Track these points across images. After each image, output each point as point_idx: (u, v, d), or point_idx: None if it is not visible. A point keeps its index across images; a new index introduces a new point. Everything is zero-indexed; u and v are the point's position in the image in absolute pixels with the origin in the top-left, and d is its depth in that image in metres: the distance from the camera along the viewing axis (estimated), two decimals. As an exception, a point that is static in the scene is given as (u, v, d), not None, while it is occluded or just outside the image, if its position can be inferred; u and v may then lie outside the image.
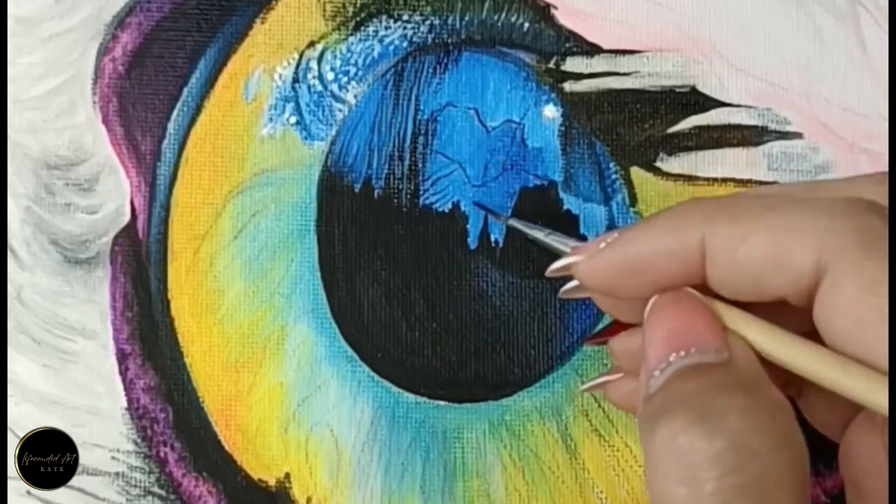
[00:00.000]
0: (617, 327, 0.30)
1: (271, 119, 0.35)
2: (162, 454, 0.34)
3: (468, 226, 0.34)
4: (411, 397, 0.34)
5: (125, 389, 0.34)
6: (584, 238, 0.34)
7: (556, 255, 0.29)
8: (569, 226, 0.34)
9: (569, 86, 0.34)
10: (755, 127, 0.34)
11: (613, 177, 0.34)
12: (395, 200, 0.34)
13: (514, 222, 0.33)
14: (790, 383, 0.27)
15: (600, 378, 0.31)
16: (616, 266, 0.26)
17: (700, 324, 0.24)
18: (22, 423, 0.34)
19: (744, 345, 0.24)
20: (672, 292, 0.25)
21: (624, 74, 0.34)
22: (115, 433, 0.34)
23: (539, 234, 0.31)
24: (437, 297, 0.34)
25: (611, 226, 0.34)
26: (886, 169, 0.33)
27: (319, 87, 0.35)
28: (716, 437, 0.22)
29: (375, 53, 0.35)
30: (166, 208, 0.35)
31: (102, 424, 0.34)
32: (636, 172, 0.34)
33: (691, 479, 0.22)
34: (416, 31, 0.34)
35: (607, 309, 0.29)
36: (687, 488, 0.22)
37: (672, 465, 0.22)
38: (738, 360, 0.24)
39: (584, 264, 0.27)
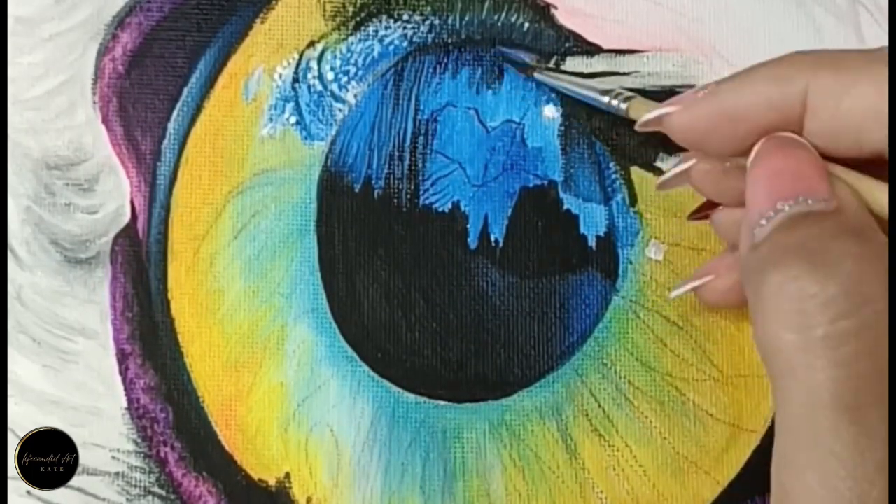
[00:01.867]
0: (711, 204, 0.30)
1: (271, 119, 0.35)
2: (162, 454, 0.34)
3: (468, 226, 0.34)
4: (411, 397, 0.34)
5: (125, 389, 0.34)
6: (584, 238, 0.34)
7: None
8: (569, 226, 0.34)
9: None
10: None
11: (613, 176, 0.34)
12: (395, 200, 0.34)
13: (538, 75, 0.33)
14: None
15: (690, 283, 0.31)
16: (714, 115, 0.26)
17: (808, 170, 0.24)
18: (22, 423, 0.34)
19: (850, 192, 0.24)
20: (777, 137, 0.25)
21: (624, 74, 0.34)
22: (115, 433, 0.34)
23: (568, 84, 0.32)
24: (437, 297, 0.34)
25: (611, 226, 0.34)
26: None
27: (319, 87, 0.35)
28: (829, 282, 0.22)
29: (375, 53, 0.35)
30: (166, 208, 0.35)
31: (102, 424, 0.34)
32: (636, 172, 0.34)
33: (802, 324, 0.22)
34: (416, 30, 0.34)
35: (709, 189, 0.29)
36: (797, 334, 0.22)
37: (782, 312, 0.22)
38: (848, 208, 0.23)
39: (679, 115, 0.27)
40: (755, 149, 0.25)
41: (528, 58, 0.34)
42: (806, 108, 0.24)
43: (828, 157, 0.25)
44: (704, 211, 0.31)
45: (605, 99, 0.32)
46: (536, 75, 0.34)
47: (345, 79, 0.35)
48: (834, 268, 0.22)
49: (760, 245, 0.24)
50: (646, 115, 0.28)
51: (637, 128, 0.29)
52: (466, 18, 0.34)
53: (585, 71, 0.34)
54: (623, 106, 0.31)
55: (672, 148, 0.34)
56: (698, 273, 0.31)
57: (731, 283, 0.30)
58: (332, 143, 0.34)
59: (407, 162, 0.34)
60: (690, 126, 0.26)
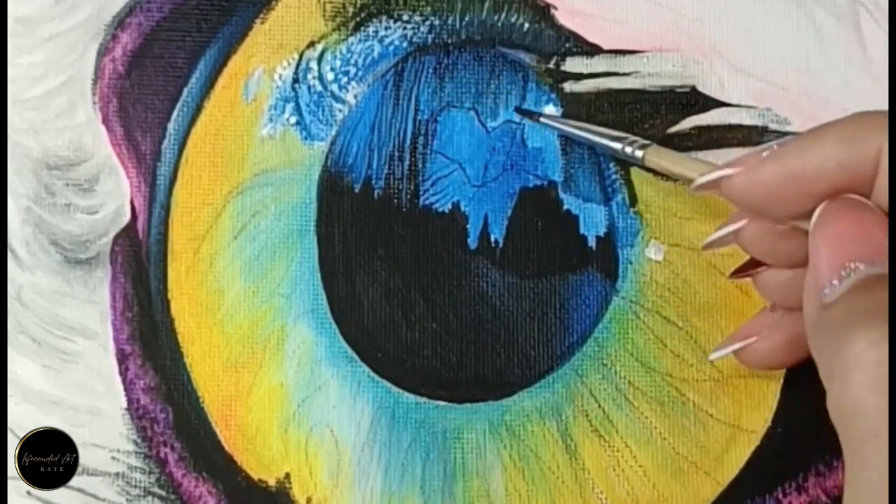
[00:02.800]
0: (756, 263, 0.29)
1: (271, 119, 0.35)
2: (162, 454, 0.34)
3: (468, 226, 0.34)
4: (411, 397, 0.34)
5: (125, 390, 0.34)
6: (583, 239, 0.34)
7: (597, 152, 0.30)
8: (569, 226, 0.34)
9: (569, 86, 0.34)
10: (755, 127, 0.34)
11: (613, 177, 0.34)
12: (395, 200, 0.34)
13: (545, 120, 0.33)
14: None
15: (732, 345, 0.30)
16: (781, 178, 0.25)
17: (877, 233, 0.24)
18: (22, 423, 0.34)
19: None
20: (842, 200, 0.25)
21: (624, 74, 0.34)
22: (115, 433, 0.34)
23: (576, 130, 0.32)
24: (437, 297, 0.34)
25: (611, 226, 0.34)
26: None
27: (319, 88, 0.35)
28: None
29: (375, 54, 0.35)
30: (166, 208, 0.35)
31: (102, 424, 0.34)
32: (636, 173, 0.34)
33: (886, 389, 0.22)
34: (416, 31, 0.34)
35: (758, 250, 0.28)
36: (882, 399, 0.22)
37: (867, 376, 0.22)
38: None
39: (741, 177, 0.26)
40: (819, 211, 0.25)
41: (528, 58, 0.34)
42: (878, 169, 0.24)
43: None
44: (748, 270, 0.30)
45: (619, 146, 0.31)
46: (543, 120, 0.34)
47: (345, 79, 0.35)
48: None
49: (834, 306, 0.23)
50: (705, 176, 0.27)
51: (692, 190, 0.28)
52: (466, 19, 0.34)
53: (585, 71, 0.34)
54: (639, 154, 0.31)
55: (672, 148, 0.34)
56: (739, 334, 0.31)
57: (774, 344, 0.30)
58: (332, 143, 0.34)
59: (407, 162, 0.34)
60: (755, 189, 0.26)
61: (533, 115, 0.34)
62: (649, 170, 0.31)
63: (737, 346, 0.31)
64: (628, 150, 0.31)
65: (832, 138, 0.25)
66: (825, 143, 0.25)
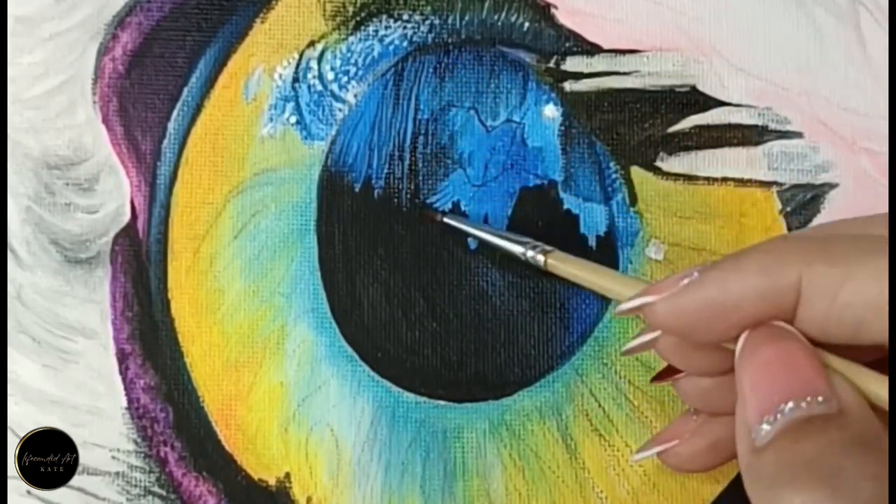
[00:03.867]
0: (675, 370, 0.29)
1: (271, 119, 0.35)
2: (162, 454, 0.34)
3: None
4: (411, 397, 0.34)
5: (125, 389, 0.34)
6: (584, 239, 0.34)
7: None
8: (569, 225, 0.34)
9: (569, 85, 0.34)
10: (755, 126, 0.34)
11: (613, 176, 0.34)
12: (395, 200, 0.34)
13: (448, 220, 0.33)
14: None
15: (653, 448, 0.30)
16: (700, 307, 0.24)
17: (803, 365, 0.23)
18: (22, 423, 0.34)
19: (853, 390, 0.23)
20: (766, 328, 0.24)
21: (624, 74, 0.34)
22: (115, 433, 0.34)
23: (480, 232, 0.32)
24: (437, 296, 0.34)
25: (611, 226, 0.34)
26: (886, 168, 0.33)
27: (319, 87, 0.35)
28: None
29: (375, 53, 0.35)
30: (166, 208, 0.35)
31: (102, 424, 0.34)
32: (636, 172, 0.34)
33: None
34: (417, 30, 0.34)
35: (676, 360, 0.28)
36: None
37: None
38: (851, 410, 0.22)
39: (662, 304, 0.25)
40: (742, 340, 0.24)
41: (528, 57, 0.34)
42: (799, 298, 0.23)
43: (821, 345, 0.24)
44: (667, 377, 0.30)
45: (521, 250, 0.31)
46: (447, 220, 0.33)
47: (345, 78, 0.35)
48: (853, 493, 0.21)
49: (764, 453, 0.23)
50: (625, 304, 0.27)
51: (616, 314, 0.28)
52: (466, 18, 0.34)
53: (585, 71, 0.34)
54: (540, 259, 0.31)
55: (672, 147, 0.34)
56: (661, 437, 0.30)
57: (696, 449, 0.30)
58: (333, 142, 0.34)
59: (407, 162, 0.34)
60: (676, 317, 0.25)
61: (435, 216, 0.34)
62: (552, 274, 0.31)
63: (657, 448, 0.30)
64: (530, 254, 0.31)
65: (752, 269, 0.24)
66: (745, 274, 0.24)
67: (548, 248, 0.31)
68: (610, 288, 0.29)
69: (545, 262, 0.31)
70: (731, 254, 0.25)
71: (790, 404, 0.23)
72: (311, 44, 0.35)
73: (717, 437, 0.29)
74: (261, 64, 0.35)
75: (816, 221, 0.33)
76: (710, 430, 0.30)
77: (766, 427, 0.23)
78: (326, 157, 0.34)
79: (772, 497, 0.22)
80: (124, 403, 0.34)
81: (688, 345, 0.27)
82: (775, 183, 0.33)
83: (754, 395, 0.23)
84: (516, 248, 0.32)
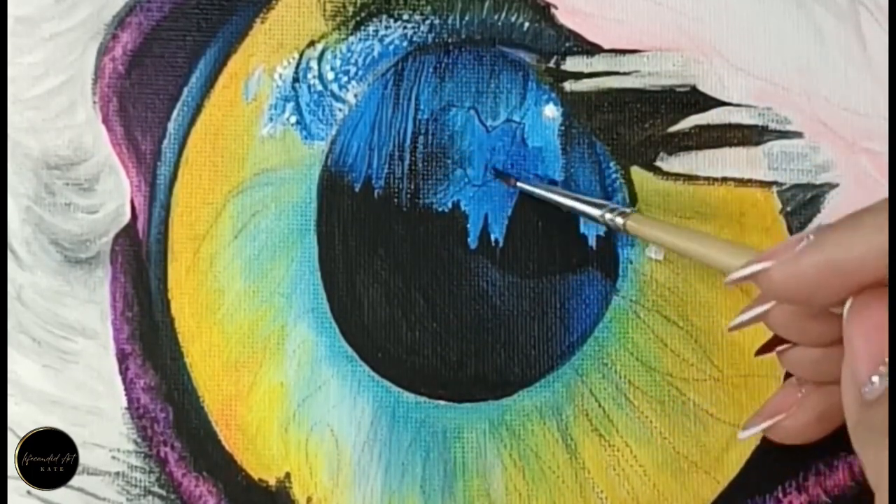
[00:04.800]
0: (782, 340, 0.29)
1: (271, 119, 0.35)
2: (162, 454, 0.34)
3: (468, 225, 0.34)
4: (411, 397, 0.34)
5: (125, 389, 0.34)
6: (584, 238, 0.34)
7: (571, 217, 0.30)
8: (569, 226, 0.34)
9: (569, 85, 0.34)
10: (755, 126, 0.33)
11: (613, 176, 0.34)
12: (395, 200, 0.34)
13: (522, 185, 0.33)
14: None
15: (760, 423, 0.30)
16: (820, 269, 0.24)
17: None
18: (22, 423, 0.34)
19: None
20: (873, 291, 0.24)
21: (624, 74, 0.34)
22: (116, 433, 0.34)
23: (553, 195, 0.32)
24: (438, 296, 0.34)
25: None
26: (886, 168, 0.33)
27: (319, 87, 0.35)
28: None
29: (375, 53, 0.35)
30: (166, 208, 0.35)
31: (102, 424, 0.34)
32: (636, 172, 0.34)
33: None
34: (417, 30, 0.34)
35: (787, 331, 0.28)
36: None
37: None
38: None
39: (779, 269, 0.25)
40: (849, 303, 0.24)
41: (528, 57, 0.34)
42: None
43: None
44: (773, 347, 0.29)
45: (599, 213, 0.31)
46: (520, 185, 0.33)
47: (345, 78, 0.35)
48: None
49: (875, 407, 0.23)
50: (738, 272, 0.26)
51: (726, 283, 0.27)
52: (466, 18, 0.34)
53: (586, 70, 0.34)
54: (620, 221, 0.31)
55: (672, 147, 0.34)
56: (766, 411, 0.30)
57: (803, 422, 0.29)
58: (333, 142, 0.34)
59: (407, 162, 0.34)
60: (795, 282, 0.25)
61: (509, 179, 0.34)
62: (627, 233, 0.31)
63: (765, 424, 0.30)
64: (608, 216, 0.31)
65: (871, 227, 0.24)
66: (864, 232, 0.24)
67: (627, 209, 0.31)
68: (696, 251, 0.28)
69: (624, 224, 0.30)
70: (844, 217, 0.25)
71: None
72: (311, 44, 0.35)
73: (823, 408, 0.29)
74: (261, 64, 0.35)
75: (816, 221, 0.33)
76: (815, 402, 0.29)
77: (876, 380, 0.23)
78: (326, 157, 0.34)
79: (878, 443, 0.22)
80: (124, 403, 0.34)
81: (800, 315, 0.27)
82: (775, 183, 0.33)
83: (864, 352, 0.23)
84: (594, 212, 0.31)
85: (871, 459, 0.23)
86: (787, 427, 0.30)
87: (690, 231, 0.29)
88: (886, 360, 0.23)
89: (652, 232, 0.30)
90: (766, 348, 0.30)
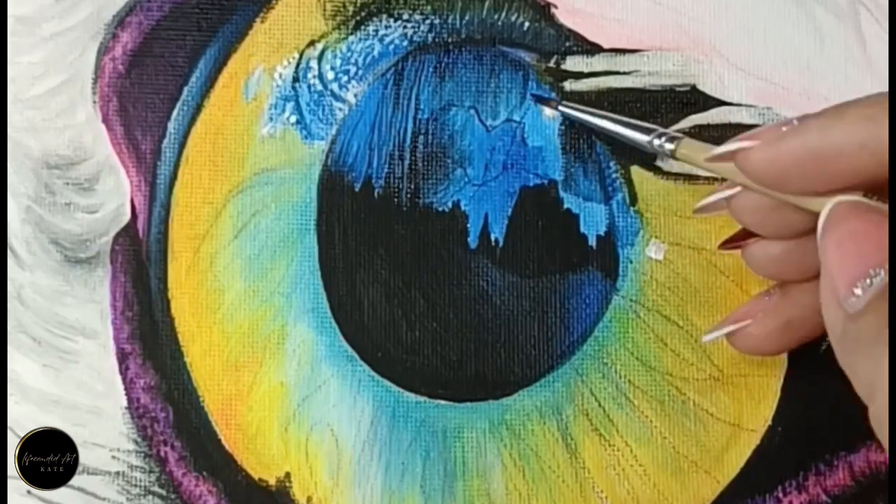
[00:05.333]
0: (747, 234, 0.28)
1: (271, 118, 0.35)
2: (162, 453, 0.34)
3: (468, 225, 0.34)
4: (411, 397, 0.34)
5: (125, 389, 0.34)
6: (584, 238, 0.34)
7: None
8: (569, 225, 0.34)
9: (569, 85, 0.34)
10: (755, 126, 0.33)
11: (613, 176, 0.34)
12: (396, 200, 0.34)
13: (564, 108, 0.33)
14: None
15: (724, 327, 0.30)
16: (800, 154, 0.24)
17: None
18: (22, 422, 0.34)
19: None
20: (850, 202, 0.24)
21: (624, 73, 0.34)
22: (116, 433, 0.34)
23: (596, 118, 0.31)
24: (438, 296, 0.34)
25: (611, 225, 0.34)
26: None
27: (319, 87, 0.35)
28: None
29: (376, 53, 0.35)
30: (166, 208, 0.35)
31: (102, 424, 0.34)
32: (636, 171, 0.34)
33: None
34: (417, 30, 0.34)
35: (751, 220, 0.27)
36: None
37: None
38: None
39: (759, 150, 0.25)
40: (826, 212, 0.24)
41: (528, 57, 0.34)
42: None
43: None
44: (738, 241, 0.29)
45: (647, 138, 0.30)
46: (562, 109, 0.33)
47: (345, 78, 0.35)
48: None
49: (861, 317, 0.23)
50: (719, 148, 0.26)
51: (706, 160, 0.27)
52: (467, 18, 0.34)
53: (586, 70, 0.34)
54: (669, 146, 0.30)
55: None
56: (732, 317, 0.30)
57: (769, 329, 0.29)
58: (333, 142, 0.34)
59: (407, 161, 0.34)
60: (772, 164, 0.25)
61: (550, 102, 0.33)
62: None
63: (729, 328, 0.30)
64: (657, 142, 0.30)
65: (854, 116, 0.24)
66: (847, 122, 0.24)
67: (677, 134, 0.30)
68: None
69: (675, 150, 0.29)
70: (832, 105, 0.25)
71: (882, 271, 0.23)
72: (311, 43, 0.35)
73: (791, 317, 0.29)
74: (261, 63, 0.35)
75: (816, 221, 0.33)
76: (783, 310, 0.29)
77: (858, 292, 0.23)
78: (326, 157, 0.34)
79: (878, 353, 0.22)
80: (124, 403, 0.34)
81: (764, 203, 0.27)
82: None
83: (843, 265, 0.23)
84: (641, 138, 0.30)
85: (861, 369, 0.23)
86: (752, 334, 0.29)
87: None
88: (872, 271, 0.23)
89: (700, 157, 0.29)
90: (731, 241, 0.30)
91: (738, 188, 0.27)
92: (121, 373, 0.34)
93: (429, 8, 0.35)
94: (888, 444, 0.22)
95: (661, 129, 0.30)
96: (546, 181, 0.34)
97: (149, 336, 0.34)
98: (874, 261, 0.23)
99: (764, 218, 0.27)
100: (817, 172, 0.24)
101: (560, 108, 0.33)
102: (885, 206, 0.24)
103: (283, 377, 0.34)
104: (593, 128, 0.32)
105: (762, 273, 0.30)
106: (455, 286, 0.34)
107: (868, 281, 0.23)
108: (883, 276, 0.23)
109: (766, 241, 0.29)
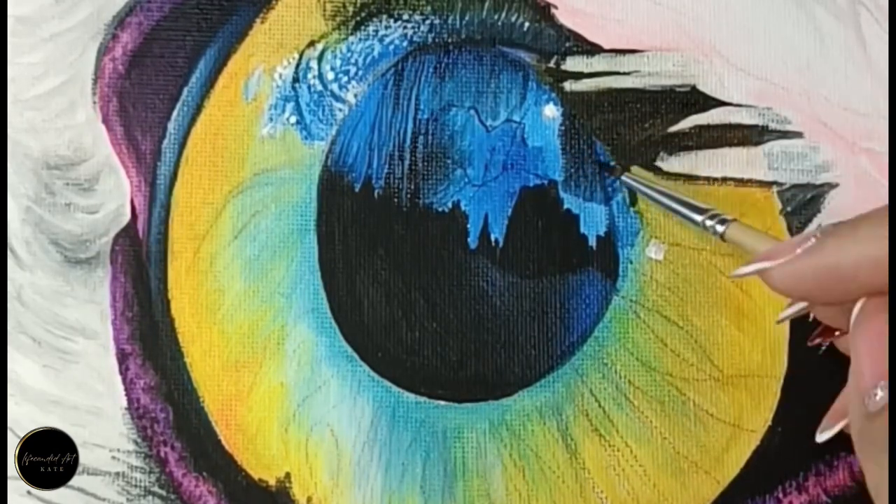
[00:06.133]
0: (829, 330, 0.30)
1: (271, 119, 0.35)
2: (162, 454, 0.34)
3: (468, 225, 0.34)
4: (411, 397, 0.34)
5: (125, 389, 0.34)
6: (584, 238, 0.34)
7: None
8: (569, 225, 0.34)
9: (569, 85, 0.34)
10: (755, 126, 0.33)
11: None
12: (395, 200, 0.34)
13: (627, 179, 0.33)
14: None
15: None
16: (818, 273, 0.25)
17: None
18: (22, 423, 0.34)
19: None
20: (878, 299, 0.25)
21: (624, 74, 0.34)
22: (116, 433, 0.34)
23: (656, 194, 0.32)
24: (438, 296, 0.34)
25: (611, 226, 0.34)
26: (886, 168, 0.33)
27: (319, 87, 0.35)
28: None
29: (375, 53, 0.35)
30: (166, 208, 0.35)
31: (103, 424, 0.34)
32: (637, 172, 0.34)
33: None
34: (417, 30, 0.34)
35: (830, 321, 0.29)
36: None
37: None
38: None
39: (779, 270, 0.26)
40: (857, 309, 0.25)
41: (528, 57, 0.34)
42: None
43: None
44: (827, 336, 0.30)
45: (700, 218, 0.31)
46: (625, 179, 0.33)
47: (345, 78, 0.35)
48: None
49: (877, 417, 0.23)
50: (741, 269, 0.28)
51: (730, 276, 0.30)
52: (467, 18, 0.34)
53: (586, 70, 0.34)
54: (720, 229, 0.31)
55: (673, 147, 0.34)
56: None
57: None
58: (333, 142, 0.34)
59: (407, 162, 0.34)
60: (793, 282, 0.26)
61: (615, 171, 0.34)
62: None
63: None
64: (709, 223, 0.31)
65: (867, 236, 0.24)
66: (861, 240, 0.25)
67: (728, 217, 0.31)
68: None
69: (724, 233, 0.31)
70: (846, 221, 0.25)
71: None
72: (311, 44, 0.35)
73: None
74: (261, 64, 0.35)
75: (816, 222, 0.33)
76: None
77: (880, 393, 0.23)
78: (326, 157, 0.34)
79: (879, 452, 0.23)
80: (124, 403, 0.34)
81: (841, 309, 0.27)
82: (775, 183, 0.33)
83: (868, 363, 0.24)
84: (696, 217, 0.32)
85: (871, 471, 0.23)
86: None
87: (778, 241, 0.30)
88: (886, 375, 0.23)
89: (748, 241, 0.30)
90: (820, 335, 0.31)
91: (806, 304, 0.29)
92: (121, 373, 0.34)
93: (429, 8, 0.35)
94: (888, 444, 0.22)
95: (714, 210, 0.31)
96: (546, 181, 0.34)
97: (149, 336, 0.34)
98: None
99: (845, 321, 0.28)
100: (836, 288, 0.25)
101: (624, 178, 0.33)
102: None
103: (283, 377, 0.34)
104: (654, 200, 0.33)
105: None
106: (455, 286, 0.34)
107: (885, 383, 0.23)
108: None
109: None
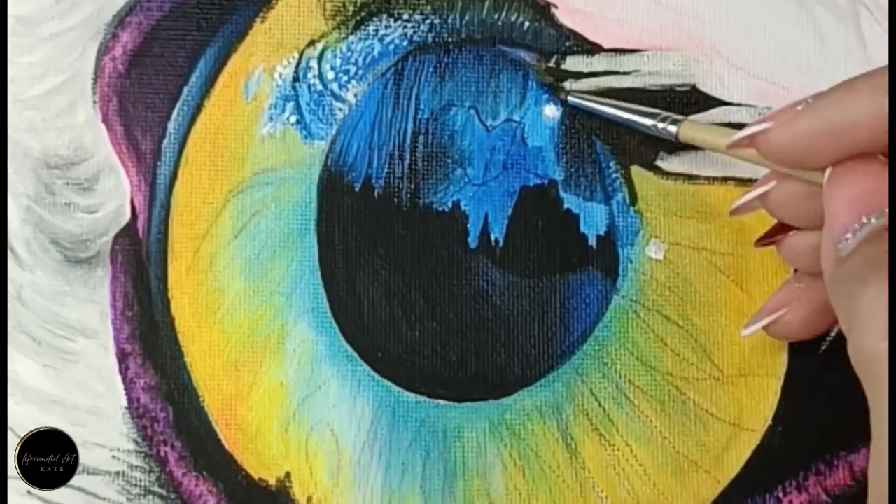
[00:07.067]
0: (783, 228, 0.30)
1: (271, 118, 0.35)
2: (162, 453, 0.34)
3: (468, 225, 0.34)
4: (412, 397, 0.34)
5: (125, 389, 0.34)
6: (584, 238, 0.34)
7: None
8: (569, 225, 0.34)
9: (569, 84, 0.34)
10: (755, 126, 0.33)
11: (614, 175, 0.34)
12: (396, 200, 0.34)
13: (573, 98, 0.33)
14: None
15: (761, 320, 0.31)
16: (816, 129, 0.25)
17: (885, 183, 0.24)
18: (22, 422, 0.34)
19: None
20: (856, 157, 0.25)
21: (624, 73, 0.34)
22: (116, 433, 0.34)
23: (605, 107, 0.32)
24: (438, 296, 0.34)
25: (611, 225, 0.34)
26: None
27: (320, 87, 0.35)
28: None
29: (376, 52, 0.35)
30: (166, 208, 0.35)
31: (103, 424, 0.34)
32: (636, 171, 0.34)
33: None
34: (417, 30, 0.34)
35: (786, 213, 0.29)
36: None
37: (881, 322, 0.22)
38: None
39: (777, 131, 0.26)
40: (828, 170, 0.25)
41: (528, 57, 0.34)
42: None
43: None
44: (774, 236, 0.30)
45: (650, 122, 0.31)
46: (571, 99, 0.33)
47: (345, 78, 0.35)
48: None
49: (849, 258, 0.24)
50: (739, 133, 0.27)
51: (727, 147, 0.28)
52: (467, 17, 0.34)
53: (586, 70, 0.34)
54: (672, 129, 0.31)
55: (673, 147, 0.34)
56: (767, 308, 0.31)
57: (805, 314, 0.30)
58: (333, 142, 0.34)
59: (407, 161, 0.34)
60: (790, 143, 0.26)
61: (560, 92, 0.34)
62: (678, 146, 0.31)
63: (767, 320, 0.31)
64: (660, 125, 0.31)
65: (866, 88, 0.25)
66: (859, 94, 0.25)
67: (679, 117, 0.31)
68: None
69: (678, 133, 0.31)
70: (843, 81, 0.26)
71: (874, 217, 0.24)
72: (311, 43, 0.35)
73: (824, 300, 0.29)
74: (261, 63, 0.35)
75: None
76: (815, 295, 0.30)
77: (849, 236, 0.24)
78: (326, 157, 0.34)
79: (854, 291, 0.23)
80: (124, 403, 0.34)
81: (799, 193, 0.28)
82: (775, 182, 0.33)
83: (842, 214, 0.25)
84: (646, 121, 0.32)
85: (845, 308, 0.24)
86: (789, 322, 0.30)
87: (733, 132, 0.29)
88: (863, 219, 0.24)
89: (703, 137, 0.30)
90: (768, 236, 0.31)
91: (772, 184, 0.28)
92: (121, 373, 0.34)
93: (429, 8, 0.35)
94: (888, 445, 0.22)
95: (665, 113, 0.31)
96: (546, 181, 0.34)
97: (149, 336, 0.34)
98: (868, 207, 0.24)
99: (799, 208, 0.28)
100: (834, 146, 0.25)
101: (569, 98, 0.33)
102: (885, 160, 0.25)
103: (283, 377, 0.34)
104: (600, 115, 0.33)
105: (801, 265, 0.30)
106: (455, 286, 0.34)
107: (859, 226, 0.24)
108: (874, 222, 0.24)
109: (802, 232, 0.29)
